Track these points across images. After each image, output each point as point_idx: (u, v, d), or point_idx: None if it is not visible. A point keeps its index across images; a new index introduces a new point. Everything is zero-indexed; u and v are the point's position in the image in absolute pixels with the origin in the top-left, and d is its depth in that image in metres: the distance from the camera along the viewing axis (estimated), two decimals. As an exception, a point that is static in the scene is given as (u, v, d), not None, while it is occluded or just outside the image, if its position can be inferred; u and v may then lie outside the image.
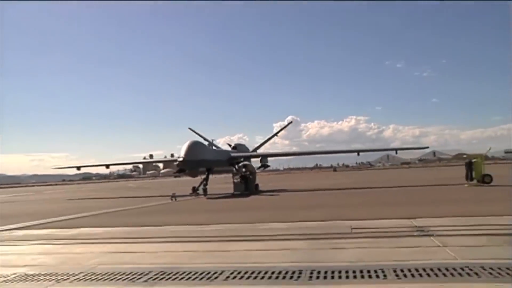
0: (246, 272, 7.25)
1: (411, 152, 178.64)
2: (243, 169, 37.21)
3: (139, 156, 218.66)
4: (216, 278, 7.03)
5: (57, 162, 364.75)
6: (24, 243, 12.22)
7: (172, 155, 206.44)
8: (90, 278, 7.48)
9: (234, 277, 7.03)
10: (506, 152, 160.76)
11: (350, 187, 35.01)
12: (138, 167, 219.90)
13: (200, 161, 33.40)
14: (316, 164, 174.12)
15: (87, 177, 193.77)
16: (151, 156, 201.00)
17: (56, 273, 7.90)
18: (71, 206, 28.51)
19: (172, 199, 29.04)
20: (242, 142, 41.20)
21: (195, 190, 34.84)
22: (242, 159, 39.33)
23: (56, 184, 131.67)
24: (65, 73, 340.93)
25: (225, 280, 6.91)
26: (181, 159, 32.60)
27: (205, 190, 33.71)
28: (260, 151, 43.92)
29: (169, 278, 7.20)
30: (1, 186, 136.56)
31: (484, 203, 17.40)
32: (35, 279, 7.64)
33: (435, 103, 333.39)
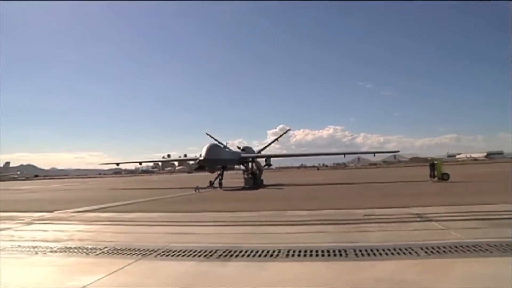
0: (300, 251, 6.98)
1: (377, 154, 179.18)
2: (253, 164, 37.44)
3: (159, 155, 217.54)
4: (277, 255, 6.78)
5: (94, 159, 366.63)
6: (98, 223, 11.89)
7: (185, 155, 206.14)
8: (169, 254, 7.19)
9: (293, 255, 6.77)
10: (448, 156, 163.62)
11: (337, 182, 34.77)
12: (158, 164, 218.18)
13: (218, 160, 33.34)
14: (301, 164, 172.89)
15: (117, 172, 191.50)
16: (168, 155, 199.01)
17: (139, 249, 7.61)
18: (116, 194, 28.11)
19: (196, 191, 28.64)
20: (242, 146, 40.84)
21: (211, 183, 34.70)
22: (250, 159, 39.19)
23: (94, 177, 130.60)
24: (99, 84, 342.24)
25: (286, 257, 6.67)
26: (202, 158, 32.43)
27: (220, 184, 33.42)
28: (263, 153, 43.62)
29: (237, 255, 6.89)
30: (55, 177, 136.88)
31: (454, 195, 17.44)
32: (124, 253, 7.40)
33: (396, 117, 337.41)
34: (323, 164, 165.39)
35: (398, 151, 47.88)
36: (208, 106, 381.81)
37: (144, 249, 7.58)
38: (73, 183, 64.86)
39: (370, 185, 29.40)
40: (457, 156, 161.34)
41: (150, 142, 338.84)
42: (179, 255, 7.12)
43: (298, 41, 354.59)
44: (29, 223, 12.25)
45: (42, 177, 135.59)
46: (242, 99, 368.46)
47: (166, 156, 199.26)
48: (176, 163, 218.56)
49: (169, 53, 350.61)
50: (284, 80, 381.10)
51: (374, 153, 38.70)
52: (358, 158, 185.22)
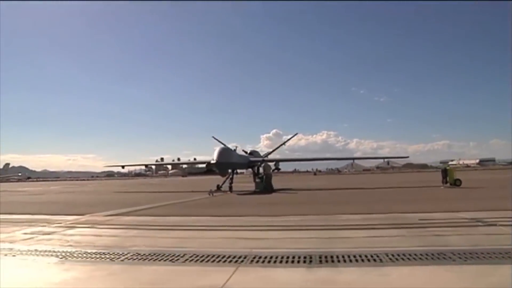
0: (398, 255, 6.76)
1: (369, 160, 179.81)
2: (258, 168, 37.29)
3: (152, 158, 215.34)
4: (381, 260, 6.53)
5: (87, 162, 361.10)
6: (146, 228, 11.36)
7: (178, 159, 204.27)
8: (266, 261, 6.72)
9: (402, 259, 6.53)
10: (441, 162, 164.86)
11: (346, 187, 34.57)
12: (152, 168, 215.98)
13: (229, 163, 33.14)
14: (295, 169, 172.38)
15: (110, 175, 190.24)
16: (162, 159, 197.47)
17: (229, 256, 7.08)
18: (128, 198, 27.55)
19: (209, 194, 28.22)
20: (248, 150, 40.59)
21: (219, 187, 34.46)
22: (259, 163, 39.01)
23: (88, 180, 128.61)
24: (92, 86, 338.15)
25: (392, 261, 6.44)
26: (213, 161, 32.12)
27: (230, 188, 33.17)
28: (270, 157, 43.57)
29: (333, 260, 6.57)
30: (48, 179, 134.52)
31: (484, 200, 17.23)
32: (215, 260, 6.96)
33: (390, 123, 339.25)
34: (317, 169, 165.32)
35: (408, 157, 48.06)
36: (200, 110, 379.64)
37: (233, 256, 7.09)
38: (71, 186, 63.30)
39: (385, 190, 29.13)
40: (450, 163, 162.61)
41: (142, 145, 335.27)
42: (280, 261, 6.65)
43: (292, 47, 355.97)
44: (70, 227, 11.76)
45: (35, 179, 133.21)
46: (235, 103, 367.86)
47: (159, 160, 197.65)
48: (169, 166, 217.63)
49: (161, 58, 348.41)
50: (277, 85, 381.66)
51: (384, 158, 39.00)
52: (352, 164, 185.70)
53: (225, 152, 33.31)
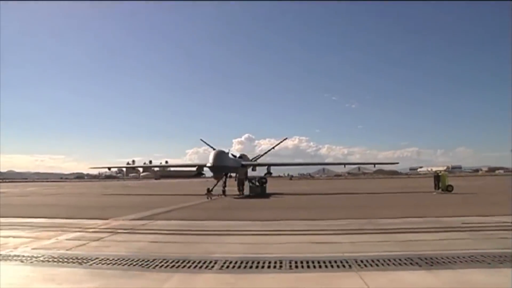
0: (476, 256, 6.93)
1: (341, 166, 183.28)
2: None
3: (123, 161, 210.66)
4: (455, 262, 6.59)
5: (55, 163, 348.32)
6: (185, 233, 10.88)
7: (150, 162, 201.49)
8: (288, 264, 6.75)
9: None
10: (410, 169, 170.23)
11: (333, 192, 34.79)
12: (122, 170, 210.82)
13: (224, 167, 32.54)
14: (266, 173, 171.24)
15: (80, 177, 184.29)
16: (133, 161, 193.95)
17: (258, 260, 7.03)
18: (130, 201, 26.48)
19: (208, 198, 27.65)
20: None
21: (209, 191, 33.75)
22: (250, 167, 38.78)
23: (58, 181, 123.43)
24: (61, 87, 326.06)
25: (463, 263, 6.52)
26: (210, 164, 31.48)
27: (224, 191, 32.48)
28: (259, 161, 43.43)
29: (412, 263, 6.65)
30: (15, 180, 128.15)
31: (481, 206, 17.60)
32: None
33: (360, 129, 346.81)
34: (288, 174, 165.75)
35: (397, 163, 49.14)
36: (171, 113, 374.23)
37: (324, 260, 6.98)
38: (49, 188, 59.66)
39: (384, 195, 29.34)
40: (419, 170, 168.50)
41: (112, 147, 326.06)
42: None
43: (265, 52, 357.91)
44: (111, 232, 10.99)
45: (1, 180, 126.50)
46: (206, 106, 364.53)
47: (131, 162, 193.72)
48: (141, 169, 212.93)
49: (130, 61, 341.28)
50: (249, 89, 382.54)
51: (375, 164, 39.71)
52: (323, 169, 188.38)
53: (221, 155, 32.74)
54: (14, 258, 7.62)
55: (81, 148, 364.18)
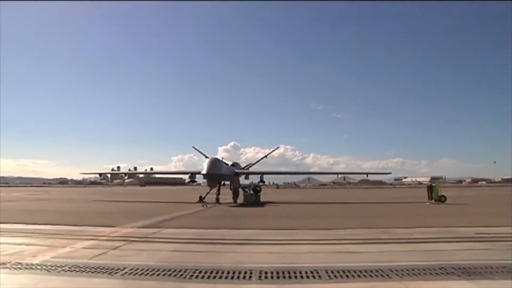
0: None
1: (326, 175, 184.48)
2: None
3: (107, 167, 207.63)
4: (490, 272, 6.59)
5: (38, 168, 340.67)
6: (200, 242, 10.68)
7: (135, 168, 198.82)
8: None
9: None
10: (395, 179, 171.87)
11: (326, 201, 34.64)
12: (107, 176, 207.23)
13: (219, 174, 32.19)
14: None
15: (64, 182, 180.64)
16: (118, 168, 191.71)
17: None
18: (126, 208, 25.91)
19: (203, 206, 27.31)
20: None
21: (201, 199, 33.59)
22: (244, 176, 38.58)
23: (42, 186, 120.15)
24: (46, 89, 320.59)
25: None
26: (205, 172, 31.10)
27: (217, 199, 32.02)
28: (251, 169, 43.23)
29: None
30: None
31: (481, 216, 18.01)
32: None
33: (346, 139, 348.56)
34: (273, 183, 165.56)
35: (390, 173, 49.55)
36: (156, 120, 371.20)
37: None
38: (36, 193, 56.66)
39: (377, 205, 29.52)
40: (403, 180, 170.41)
41: (96, 153, 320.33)
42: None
43: (251, 61, 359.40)
44: (125, 240, 10.59)
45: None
46: (192, 113, 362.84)
47: (116, 168, 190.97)
48: (126, 176, 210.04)
49: (115, 65, 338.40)
50: (235, 97, 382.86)
51: (367, 173, 40.18)
52: (308, 178, 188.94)
53: (216, 163, 32.43)
54: (38, 267, 7.27)
55: (64, 153, 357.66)
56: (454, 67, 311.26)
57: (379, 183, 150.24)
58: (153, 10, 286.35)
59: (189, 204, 28.66)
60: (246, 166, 43.99)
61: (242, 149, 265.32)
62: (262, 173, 39.16)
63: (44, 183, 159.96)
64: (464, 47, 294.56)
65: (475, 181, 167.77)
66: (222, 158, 37.96)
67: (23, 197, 41.45)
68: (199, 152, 43.52)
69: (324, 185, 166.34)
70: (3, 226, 13.56)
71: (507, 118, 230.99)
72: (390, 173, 52.78)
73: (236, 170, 38.00)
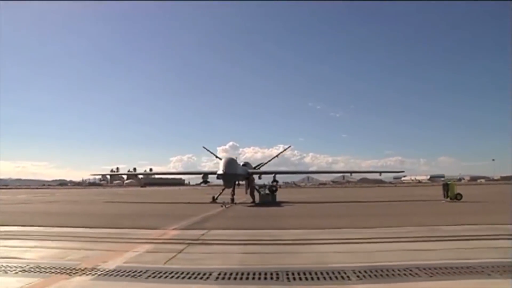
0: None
1: (325, 174, 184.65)
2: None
3: (106, 168, 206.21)
4: None
5: (37, 170, 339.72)
6: (253, 243, 10.36)
7: (134, 169, 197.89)
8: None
9: None
10: (394, 178, 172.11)
11: (339, 200, 34.65)
12: (106, 177, 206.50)
13: (235, 174, 31.96)
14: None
15: (63, 183, 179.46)
16: (117, 169, 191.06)
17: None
18: (147, 209, 25.50)
19: (222, 206, 27.05)
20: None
21: (214, 199, 33.67)
22: (258, 176, 38.43)
23: (42, 188, 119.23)
24: (46, 92, 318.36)
25: None
26: (221, 172, 30.83)
27: (232, 200, 31.85)
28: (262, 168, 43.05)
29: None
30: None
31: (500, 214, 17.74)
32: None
33: (344, 138, 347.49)
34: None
35: (403, 171, 49.42)
36: (155, 121, 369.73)
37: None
38: (41, 195, 56.19)
39: (395, 204, 29.11)
40: (403, 179, 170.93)
41: (96, 154, 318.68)
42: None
43: (249, 61, 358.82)
44: (182, 243, 10.12)
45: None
46: (190, 114, 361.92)
47: (115, 169, 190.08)
48: (125, 177, 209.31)
49: (112, 66, 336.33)
50: (233, 97, 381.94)
51: (380, 172, 40.12)
52: (308, 178, 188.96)
53: (232, 163, 32.27)
54: (118, 273, 6.85)
55: (63, 154, 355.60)
56: (452, 65, 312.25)
57: (379, 182, 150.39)
58: (151, 10, 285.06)
59: (205, 205, 28.39)
60: (257, 165, 43.70)
61: (241, 149, 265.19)
62: (275, 173, 38.97)
63: (44, 185, 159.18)
64: (463, 46, 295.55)
65: (474, 179, 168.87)
66: (236, 158, 37.87)
67: (33, 199, 40.95)
68: (210, 152, 43.71)
69: (323, 184, 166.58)
70: (43, 229, 13.20)
71: (506, 116, 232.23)
72: (403, 171, 52.77)
73: (249, 170, 37.78)
